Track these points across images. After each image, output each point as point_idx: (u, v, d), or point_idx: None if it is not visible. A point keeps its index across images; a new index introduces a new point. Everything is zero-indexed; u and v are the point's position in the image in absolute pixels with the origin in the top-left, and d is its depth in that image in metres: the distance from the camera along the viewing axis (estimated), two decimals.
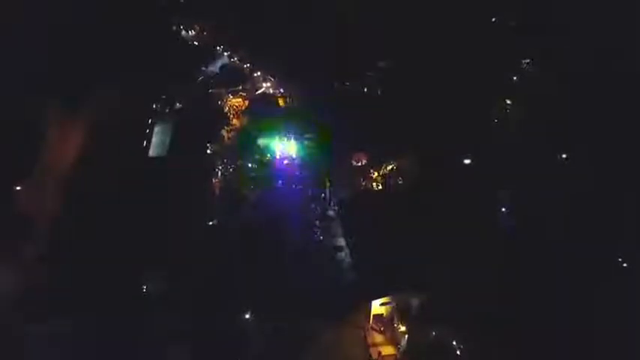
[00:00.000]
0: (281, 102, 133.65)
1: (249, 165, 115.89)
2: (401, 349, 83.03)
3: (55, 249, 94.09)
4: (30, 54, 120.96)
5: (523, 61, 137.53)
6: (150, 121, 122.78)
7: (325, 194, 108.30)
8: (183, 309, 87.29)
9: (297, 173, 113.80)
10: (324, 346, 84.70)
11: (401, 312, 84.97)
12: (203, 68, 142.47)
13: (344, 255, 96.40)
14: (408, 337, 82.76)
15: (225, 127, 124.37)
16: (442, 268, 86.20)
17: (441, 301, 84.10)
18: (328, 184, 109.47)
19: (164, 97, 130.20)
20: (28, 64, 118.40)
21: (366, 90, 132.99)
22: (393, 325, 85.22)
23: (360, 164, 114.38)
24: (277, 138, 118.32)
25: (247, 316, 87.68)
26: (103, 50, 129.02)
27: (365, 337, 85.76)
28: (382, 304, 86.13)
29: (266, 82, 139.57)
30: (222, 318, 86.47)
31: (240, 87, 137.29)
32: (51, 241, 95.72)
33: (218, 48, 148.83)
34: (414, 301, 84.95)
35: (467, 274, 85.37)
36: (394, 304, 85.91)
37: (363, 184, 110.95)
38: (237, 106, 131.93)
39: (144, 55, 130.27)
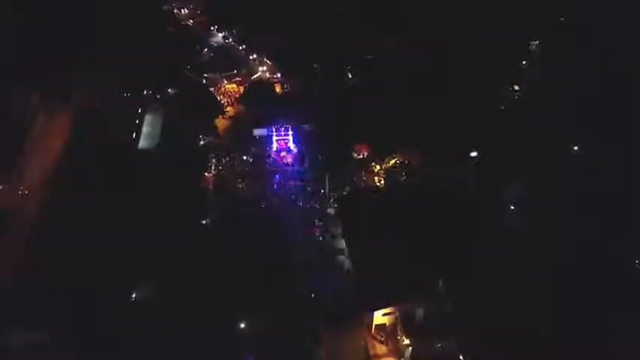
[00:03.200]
0: (278, 88, 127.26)
1: (245, 158, 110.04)
2: None
3: (35, 249, 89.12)
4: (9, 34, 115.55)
5: (532, 43, 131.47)
6: (140, 110, 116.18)
7: (325, 190, 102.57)
8: (175, 318, 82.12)
9: (296, 167, 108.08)
10: (323, 356, 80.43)
11: (404, 322, 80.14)
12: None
13: (344, 258, 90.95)
14: (411, 350, 78.28)
15: (220, 116, 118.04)
16: (449, 274, 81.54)
17: (447, 311, 79.49)
18: (327, 178, 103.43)
19: (155, 81, 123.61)
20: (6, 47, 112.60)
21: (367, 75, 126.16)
22: (396, 336, 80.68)
23: (361, 157, 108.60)
24: (274, 128, 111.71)
25: (242, 325, 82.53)
26: (89, 30, 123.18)
27: (366, 348, 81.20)
28: (385, 314, 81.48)
29: (262, 65, 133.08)
30: (216, 327, 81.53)
31: (236, 71, 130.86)
32: (32, 241, 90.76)
33: (212, 28, 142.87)
34: (419, 311, 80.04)
35: (474, 281, 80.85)
36: (397, 313, 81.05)
37: (364, 178, 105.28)
38: (231, 93, 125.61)
39: (133, 35, 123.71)
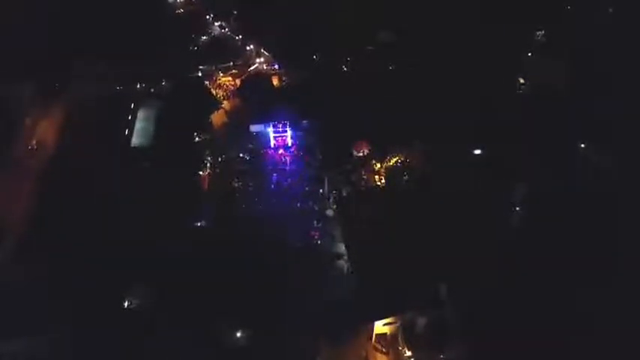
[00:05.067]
0: (275, 81, 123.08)
1: (241, 156, 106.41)
2: None
3: (26, 253, 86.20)
4: None
5: (537, 33, 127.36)
6: (133, 105, 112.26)
7: (324, 190, 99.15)
8: (169, 326, 79.01)
9: (294, 166, 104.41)
10: None
11: (406, 332, 77.45)
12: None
13: (344, 263, 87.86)
14: None
15: (215, 111, 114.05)
16: (453, 282, 78.71)
17: (449, 320, 76.76)
18: (327, 178, 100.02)
19: (149, 74, 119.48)
20: None
21: (367, 67, 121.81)
22: (398, 346, 78.02)
23: (361, 154, 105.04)
24: (272, 124, 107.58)
25: (239, 334, 79.68)
26: (79, 20, 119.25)
27: (367, 358, 78.42)
28: (386, 324, 78.73)
29: (260, 56, 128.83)
30: (211, 336, 78.54)
31: (232, 63, 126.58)
32: (23, 244, 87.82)
33: (208, 17, 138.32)
34: (420, 321, 77.27)
35: (478, 288, 78.05)
36: (399, 323, 78.29)
37: (365, 177, 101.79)
38: (227, 86, 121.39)
39: (125, 25, 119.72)
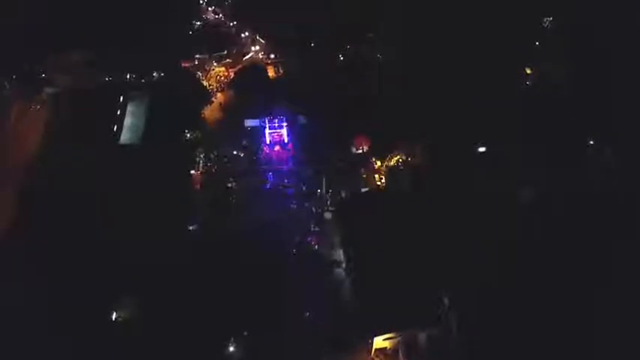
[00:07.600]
0: (271, 71, 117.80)
1: (235, 153, 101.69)
2: None
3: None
4: None
5: (545, 19, 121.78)
6: (122, 98, 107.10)
7: (321, 190, 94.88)
8: (158, 339, 75.27)
9: (290, 164, 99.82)
10: None
11: (407, 347, 74.15)
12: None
13: (342, 271, 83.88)
14: None
15: (208, 106, 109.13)
16: (456, 295, 74.91)
17: (452, 334, 73.18)
18: (325, 177, 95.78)
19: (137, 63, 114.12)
20: None
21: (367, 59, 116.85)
22: None
23: (361, 151, 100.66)
24: (267, 120, 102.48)
25: (232, 348, 76.24)
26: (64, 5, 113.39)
27: None
28: (386, 338, 75.23)
29: (255, 44, 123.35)
30: (203, 350, 75.19)
31: (226, 52, 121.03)
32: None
33: (202, 2, 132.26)
34: (421, 336, 73.94)
35: (483, 303, 74.28)
36: (399, 337, 74.83)
37: (364, 176, 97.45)
38: (220, 77, 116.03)
39: (113, 11, 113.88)
